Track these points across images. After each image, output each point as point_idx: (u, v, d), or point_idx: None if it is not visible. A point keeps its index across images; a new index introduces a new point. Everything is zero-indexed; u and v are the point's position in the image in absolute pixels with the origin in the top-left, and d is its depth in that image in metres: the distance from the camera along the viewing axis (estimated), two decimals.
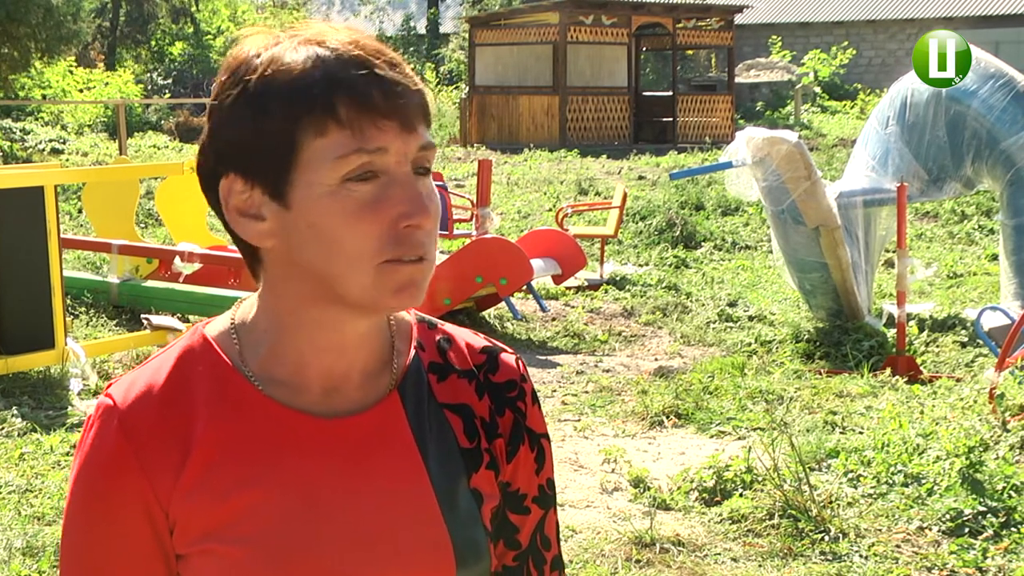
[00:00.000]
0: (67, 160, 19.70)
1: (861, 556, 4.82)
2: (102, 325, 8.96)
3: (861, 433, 6.25)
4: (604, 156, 22.30)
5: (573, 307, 9.99)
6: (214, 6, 38.33)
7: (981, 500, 5.08)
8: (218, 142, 1.24)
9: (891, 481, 5.46)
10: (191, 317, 8.66)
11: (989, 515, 5.00)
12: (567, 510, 5.41)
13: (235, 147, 1.23)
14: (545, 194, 16.74)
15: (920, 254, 12.09)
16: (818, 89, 32.20)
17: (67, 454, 5.99)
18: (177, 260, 9.07)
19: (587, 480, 5.86)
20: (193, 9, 37.70)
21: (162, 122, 26.57)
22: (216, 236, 10.49)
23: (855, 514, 5.18)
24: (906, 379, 7.30)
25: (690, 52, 33.90)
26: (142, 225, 13.49)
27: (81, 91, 28.23)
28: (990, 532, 4.91)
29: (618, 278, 11.08)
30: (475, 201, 10.83)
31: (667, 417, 6.84)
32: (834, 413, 6.71)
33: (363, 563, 1.26)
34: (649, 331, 9.39)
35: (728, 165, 8.24)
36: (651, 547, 4.91)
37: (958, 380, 7.25)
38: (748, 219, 14.20)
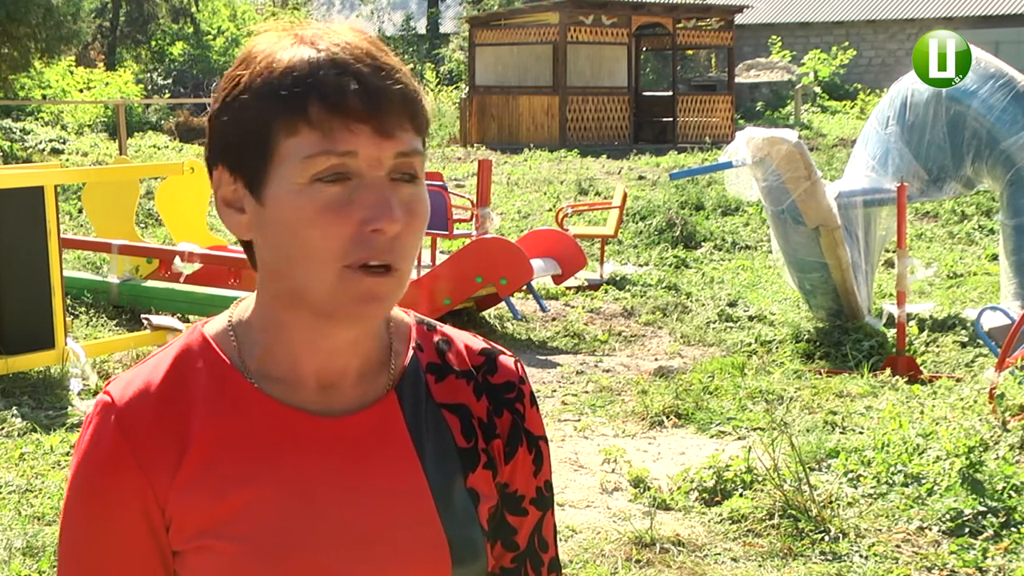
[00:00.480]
0: (67, 160, 19.70)
1: (861, 556, 4.82)
2: (102, 325, 8.96)
3: (861, 433, 6.25)
4: (604, 156, 22.30)
5: (573, 307, 9.99)
6: (214, 6, 38.30)
7: (981, 500, 5.08)
8: (213, 134, 1.27)
9: (891, 481, 5.46)
10: (191, 317, 8.66)
11: (989, 515, 5.00)
12: (567, 510, 5.41)
13: (223, 141, 1.26)
14: (545, 194, 16.74)
15: (920, 254, 12.09)
16: (818, 89, 32.20)
17: (67, 454, 5.99)
18: (177, 260, 9.07)
19: (587, 480, 5.86)
20: (193, 9, 37.68)
21: (162, 122, 26.57)
22: (216, 236, 10.49)
23: (855, 514, 5.18)
24: (906, 379, 7.30)
25: (690, 52, 33.90)
26: (142, 225, 13.49)
27: (81, 91, 28.23)
28: (990, 532, 4.91)
29: (618, 278, 11.09)
30: (475, 201, 10.83)
31: (667, 417, 6.84)
32: (834, 413, 6.71)
33: (359, 560, 1.27)
34: (649, 331, 9.40)
35: (728, 165, 8.24)
36: (651, 547, 4.91)
37: (958, 380, 7.25)
38: (748, 219, 14.20)
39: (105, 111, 25.98)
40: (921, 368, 7.70)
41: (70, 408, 6.91)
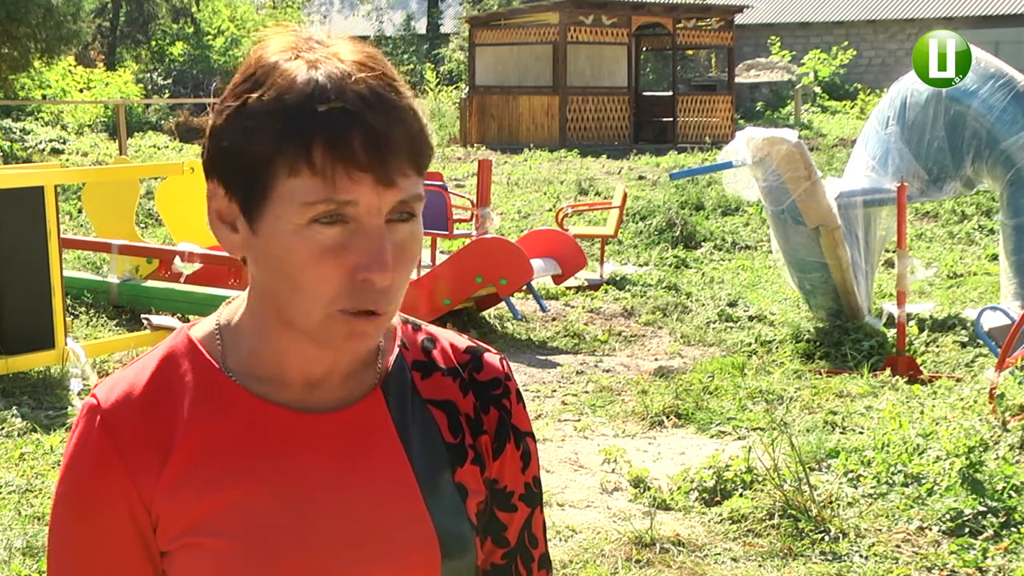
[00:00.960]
0: (67, 160, 19.70)
1: (861, 556, 4.82)
2: (102, 325, 8.97)
3: (861, 433, 6.25)
4: (604, 156, 22.30)
5: (573, 307, 9.99)
6: (214, 6, 38.29)
7: (981, 500, 5.08)
8: (213, 144, 1.25)
9: (891, 481, 5.46)
10: (191, 317, 8.66)
11: (989, 515, 5.00)
12: (567, 510, 5.41)
13: (224, 157, 1.23)
14: (545, 194, 16.74)
15: (920, 254, 12.09)
16: (818, 89, 32.20)
17: None
18: (177, 260, 9.06)
19: (587, 480, 5.87)
20: (193, 9, 37.69)
21: (162, 122, 26.57)
22: None
23: (855, 514, 5.18)
24: (906, 379, 7.30)
25: (690, 52, 33.90)
26: (142, 225, 13.49)
27: (81, 91, 28.23)
28: (990, 532, 4.91)
29: (618, 278, 11.09)
30: (475, 201, 10.83)
31: (667, 417, 6.84)
32: (834, 413, 6.71)
33: (349, 555, 1.28)
34: (649, 331, 9.40)
35: (728, 165, 8.24)
36: (651, 547, 4.91)
37: (958, 380, 7.25)
38: (748, 219, 14.20)
39: (105, 111, 25.98)
40: (921, 368, 7.70)
41: (70, 408, 6.92)
